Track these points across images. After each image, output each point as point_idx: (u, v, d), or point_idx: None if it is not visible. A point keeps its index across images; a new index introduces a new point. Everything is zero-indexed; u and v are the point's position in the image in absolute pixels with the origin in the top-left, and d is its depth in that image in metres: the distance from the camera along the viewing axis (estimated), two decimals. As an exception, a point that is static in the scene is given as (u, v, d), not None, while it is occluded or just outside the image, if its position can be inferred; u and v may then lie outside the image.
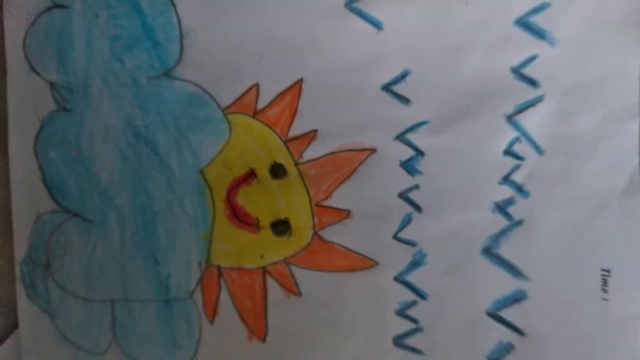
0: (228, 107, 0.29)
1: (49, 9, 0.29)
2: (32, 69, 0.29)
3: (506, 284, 0.28)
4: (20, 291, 0.30)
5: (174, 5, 0.28)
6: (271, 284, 0.29)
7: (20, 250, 0.30)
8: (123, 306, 0.30)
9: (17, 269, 0.30)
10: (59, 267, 0.30)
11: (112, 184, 0.30)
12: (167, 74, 0.29)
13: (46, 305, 0.30)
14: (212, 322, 0.30)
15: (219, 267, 0.30)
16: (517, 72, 0.27)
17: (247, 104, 0.29)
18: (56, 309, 0.30)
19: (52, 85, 0.29)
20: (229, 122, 0.29)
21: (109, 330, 0.30)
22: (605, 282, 0.27)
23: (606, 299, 0.27)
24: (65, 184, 0.30)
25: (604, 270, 0.27)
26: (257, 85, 0.28)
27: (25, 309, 0.30)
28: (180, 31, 0.28)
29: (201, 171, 0.29)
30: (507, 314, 0.28)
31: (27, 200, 0.30)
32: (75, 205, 0.30)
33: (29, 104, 0.29)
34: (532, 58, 0.27)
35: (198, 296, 0.30)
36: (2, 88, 0.30)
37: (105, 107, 0.29)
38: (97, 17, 0.29)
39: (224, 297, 0.30)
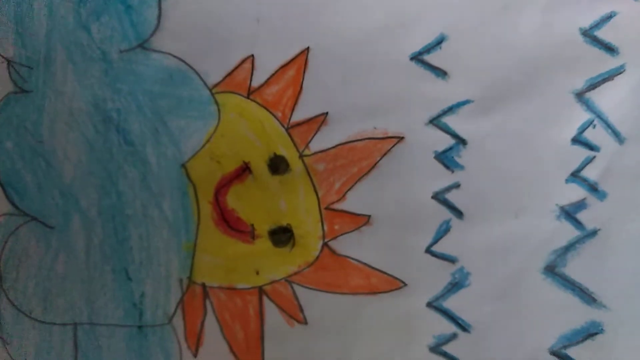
0: (216, 85, 0.28)
1: (5, -29, 0.30)
2: (-15, 43, 0.30)
3: (576, 314, 0.26)
4: (-33, 310, 0.31)
5: (150, -40, 0.29)
6: (269, 307, 0.28)
7: (-32, 259, 0.30)
8: (87, 332, 0.29)
9: (-36, 282, 0.30)
10: (13, 280, 0.29)
11: (77, 181, 0.29)
12: (143, 45, 0.28)
13: (-3, 327, 0.30)
14: (195, 354, 0.28)
15: (204, 286, 0.28)
16: (590, 34, 0.26)
17: (239, 80, 0.28)
18: (9, 333, 0.29)
19: (9, 62, 0.29)
20: (217, 103, 0.28)
21: (71, 361, 0.29)
22: None
23: None
24: (22, 181, 0.29)
25: None
26: (252, 57, 0.27)
27: (-27, 332, 0.31)
28: (159, -8, 0.29)
29: (184, 165, 0.28)
30: (577, 353, 0.26)
31: (-23, 200, 0.30)
32: (33, 207, 0.29)
33: (-19, 85, 0.30)
34: (609, 17, 0.26)
35: (178, 321, 0.28)
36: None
37: (70, 86, 0.28)
38: (61, -23, 0.29)
39: (210, 323, 0.28)
